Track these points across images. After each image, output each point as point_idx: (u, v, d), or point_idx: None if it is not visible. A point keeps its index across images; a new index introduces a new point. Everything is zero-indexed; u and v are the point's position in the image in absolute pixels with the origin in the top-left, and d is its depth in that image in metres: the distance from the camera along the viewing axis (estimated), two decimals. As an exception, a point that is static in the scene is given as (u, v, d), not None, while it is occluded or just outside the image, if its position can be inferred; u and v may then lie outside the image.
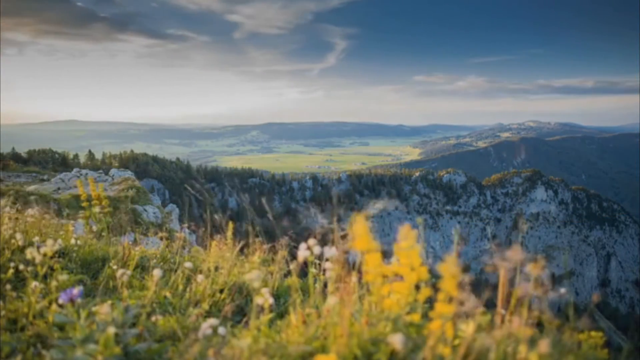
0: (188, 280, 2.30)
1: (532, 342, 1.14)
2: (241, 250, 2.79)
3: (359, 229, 1.23)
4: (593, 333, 1.43)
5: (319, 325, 1.36)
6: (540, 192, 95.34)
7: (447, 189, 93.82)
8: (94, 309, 1.47)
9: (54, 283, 1.78)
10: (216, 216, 2.76)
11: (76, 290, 1.53)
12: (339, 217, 1.47)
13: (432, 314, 1.17)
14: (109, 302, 1.53)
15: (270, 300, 1.53)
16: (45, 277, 1.90)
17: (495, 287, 1.29)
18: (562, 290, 1.26)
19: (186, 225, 4.14)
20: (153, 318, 1.75)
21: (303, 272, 1.90)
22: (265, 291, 1.53)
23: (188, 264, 2.13)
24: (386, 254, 1.28)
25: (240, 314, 2.27)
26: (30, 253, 1.81)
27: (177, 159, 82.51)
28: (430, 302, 1.22)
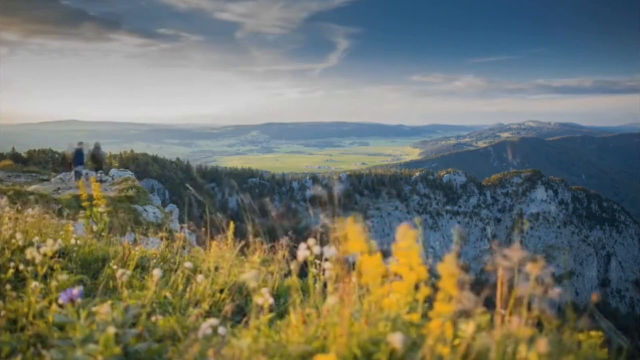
0: (188, 280, 2.30)
1: (532, 342, 1.14)
2: (241, 250, 2.79)
3: (352, 231, 1.23)
4: (593, 333, 1.43)
5: (319, 325, 1.36)
6: (540, 192, 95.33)
7: (447, 189, 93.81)
8: (94, 309, 1.47)
9: (54, 283, 1.78)
10: (216, 217, 2.76)
11: (76, 290, 1.53)
12: (339, 217, 1.47)
13: (432, 313, 1.17)
14: (109, 302, 1.53)
15: (270, 300, 1.53)
16: (45, 277, 1.90)
17: (495, 287, 1.29)
18: (562, 290, 1.26)
19: (186, 225, 4.14)
20: (153, 318, 1.75)
21: (303, 272, 1.90)
22: (265, 291, 1.53)
23: (188, 264, 2.13)
24: (386, 254, 1.28)
25: (240, 314, 2.27)
26: (30, 253, 1.81)
27: (177, 159, 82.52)
28: (430, 301, 1.23)
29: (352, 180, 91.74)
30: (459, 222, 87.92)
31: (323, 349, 1.27)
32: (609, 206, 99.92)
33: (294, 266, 1.85)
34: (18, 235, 2.43)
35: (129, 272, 1.94)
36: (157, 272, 1.85)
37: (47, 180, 19.89)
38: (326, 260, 1.60)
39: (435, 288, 1.19)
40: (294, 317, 1.47)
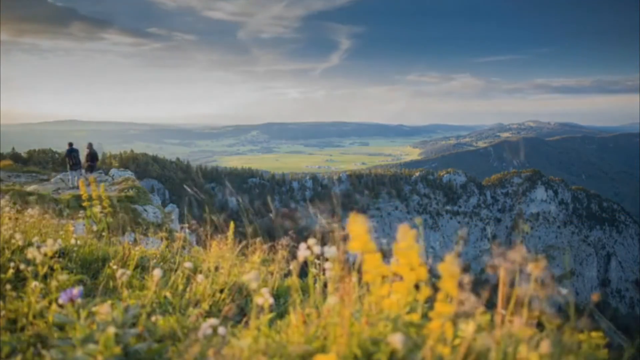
0: (188, 280, 2.30)
1: (533, 342, 1.14)
2: (241, 250, 2.80)
3: (357, 230, 1.23)
4: (593, 333, 1.43)
5: (319, 325, 1.36)
6: (540, 192, 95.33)
7: (447, 189, 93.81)
8: (94, 309, 1.47)
9: (54, 283, 1.78)
10: (215, 217, 2.76)
11: (76, 290, 1.53)
12: (339, 217, 1.47)
13: (432, 313, 1.17)
14: (109, 302, 1.53)
15: (270, 300, 1.53)
16: (45, 277, 1.90)
17: (495, 287, 1.29)
18: (562, 290, 1.26)
19: (186, 225, 4.14)
20: (153, 318, 1.75)
21: (303, 272, 1.89)
22: (265, 291, 1.53)
23: (188, 264, 2.13)
24: (386, 254, 1.28)
25: (240, 314, 2.27)
26: (30, 253, 1.81)
27: (177, 159, 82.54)
28: (430, 301, 1.22)
29: (352, 180, 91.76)
30: (459, 222, 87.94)
31: (323, 349, 1.27)
32: (609, 206, 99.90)
33: (294, 266, 1.85)
34: (18, 236, 2.43)
35: (129, 272, 1.94)
36: (157, 272, 1.84)
37: (47, 180, 19.90)
38: (326, 260, 1.60)
39: (435, 288, 1.19)
40: (294, 317, 1.46)
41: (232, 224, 2.95)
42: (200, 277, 2.16)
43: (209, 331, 1.40)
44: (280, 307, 2.37)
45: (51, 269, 1.96)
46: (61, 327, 1.59)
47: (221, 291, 2.25)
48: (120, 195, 15.21)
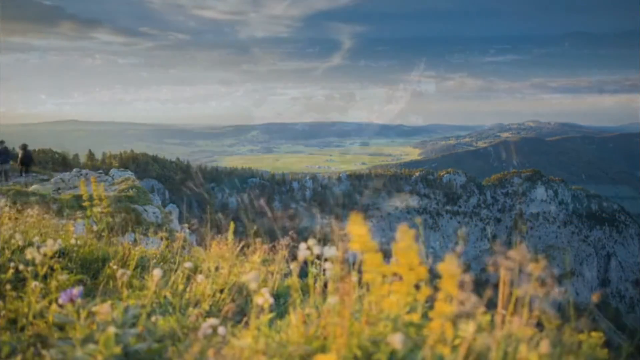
0: (188, 280, 2.30)
1: (533, 342, 1.14)
2: (241, 250, 2.80)
3: (357, 229, 1.23)
4: (593, 333, 1.43)
5: (319, 325, 1.36)
6: (540, 192, 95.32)
7: (447, 189, 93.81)
8: (94, 309, 1.47)
9: (54, 283, 1.78)
10: (216, 217, 2.76)
11: (76, 290, 1.53)
12: (339, 217, 1.47)
13: (432, 313, 1.17)
14: (109, 302, 1.52)
15: (270, 300, 1.53)
16: (45, 277, 1.90)
17: (496, 287, 1.29)
18: (563, 290, 1.26)
19: (186, 225, 4.14)
20: (153, 318, 1.75)
21: (303, 272, 1.89)
22: (265, 291, 1.53)
23: (188, 264, 2.13)
24: (386, 254, 1.28)
25: (240, 314, 2.26)
26: (30, 253, 1.81)
27: (177, 159, 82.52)
28: (430, 301, 1.22)
29: (352, 180, 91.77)
30: (459, 222, 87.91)
31: (323, 349, 1.27)
32: (609, 206, 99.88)
33: (294, 266, 1.85)
34: (18, 236, 2.44)
35: (129, 272, 1.94)
36: (157, 272, 1.84)
37: (47, 180, 19.90)
38: (326, 260, 1.60)
39: (435, 288, 1.19)
40: (294, 317, 1.46)
41: (232, 224, 2.95)
42: (200, 277, 2.16)
43: (209, 331, 1.40)
44: (280, 307, 2.37)
45: (51, 269, 1.96)
46: (61, 327, 1.59)
47: (221, 291, 2.25)
48: (120, 195, 15.20)
